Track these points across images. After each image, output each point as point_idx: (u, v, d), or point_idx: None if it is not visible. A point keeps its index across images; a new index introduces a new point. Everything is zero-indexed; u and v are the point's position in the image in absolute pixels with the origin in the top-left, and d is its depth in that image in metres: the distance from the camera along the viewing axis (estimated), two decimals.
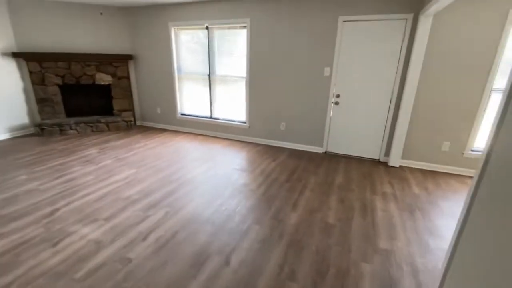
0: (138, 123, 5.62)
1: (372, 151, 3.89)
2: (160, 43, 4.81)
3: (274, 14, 3.87)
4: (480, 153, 3.35)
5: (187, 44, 4.68)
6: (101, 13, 4.71)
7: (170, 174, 3.22)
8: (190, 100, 5.01)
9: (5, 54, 4.25)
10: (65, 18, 4.54)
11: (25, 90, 4.61)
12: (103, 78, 4.98)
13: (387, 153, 3.80)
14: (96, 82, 4.95)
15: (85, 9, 4.62)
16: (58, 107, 4.87)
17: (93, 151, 3.96)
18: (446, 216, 2.49)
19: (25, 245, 1.95)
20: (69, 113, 5.03)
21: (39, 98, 4.69)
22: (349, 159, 3.94)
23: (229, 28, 4.24)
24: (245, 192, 2.82)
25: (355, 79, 3.69)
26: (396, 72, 3.47)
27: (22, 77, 4.54)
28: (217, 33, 4.36)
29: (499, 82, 3.10)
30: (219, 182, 3.03)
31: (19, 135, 4.60)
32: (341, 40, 3.62)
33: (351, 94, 3.78)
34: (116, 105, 5.23)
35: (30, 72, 4.54)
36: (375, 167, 3.65)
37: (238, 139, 4.75)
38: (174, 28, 4.65)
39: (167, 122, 5.34)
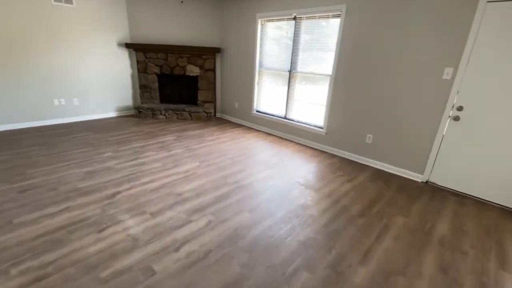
0: (218, 115, 5.75)
1: (505, 194, 2.63)
2: (246, 35, 4.66)
3: (378, 4, 3.04)
4: None
5: (272, 37, 4.36)
6: (182, 1, 4.88)
7: (229, 175, 3.00)
8: (267, 97, 4.71)
9: (121, 44, 4.97)
10: (166, 10, 4.94)
11: (133, 77, 5.33)
12: (193, 70, 5.26)
13: None
14: (187, 73, 5.28)
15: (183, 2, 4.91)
16: (154, 93, 5.45)
17: (171, 137, 4.19)
18: None
19: (79, 224, 2.06)
20: (162, 100, 5.57)
21: (141, 84, 5.35)
22: (462, 198, 2.79)
23: (319, 17, 3.65)
24: (302, 217, 2.29)
25: (493, 86, 2.51)
26: None
27: (131, 65, 5.25)
28: (304, 24, 3.84)
29: None
30: (275, 196, 2.60)
31: (123, 115, 5.40)
32: (479, 29, 2.50)
33: (482, 107, 2.61)
34: (201, 96, 5.47)
35: (137, 61, 5.20)
36: (508, 221, 2.43)
37: (311, 146, 4.16)
38: (261, 20, 4.39)
39: (243, 118, 5.24)
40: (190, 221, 2.16)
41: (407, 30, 2.91)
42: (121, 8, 4.79)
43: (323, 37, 3.69)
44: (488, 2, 2.42)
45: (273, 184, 2.86)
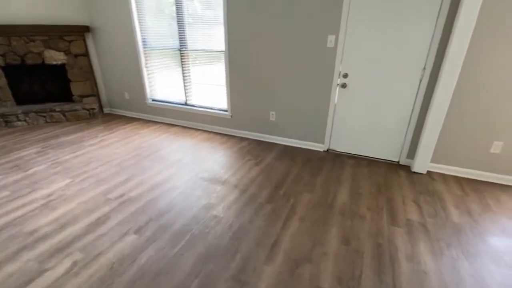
0: (106, 110, 4.73)
1: (390, 151, 2.91)
2: (120, 8, 3.77)
3: None
4: None
5: (152, 8, 3.63)
6: None
7: (113, 188, 2.38)
8: (162, 82, 4.05)
9: None
10: None
11: None
12: (55, 56, 4.04)
13: (411, 154, 2.82)
14: (46, 62, 4.03)
15: None
16: (4, 93, 4.01)
17: (32, 150, 3.14)
18: (507, 266, 1.58)
19: None
20: (20, 101, 4.16)
21: None
22: (358, 160, 2.99)
23: None
24: (204, 222, 1.96)
25: (370, 52, 2.63)
26: (431, 43, 2.39)
27: None
28: None
29: None
30: (173, 203, 2.17)
31: None
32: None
33: (363, 73, 2.73)
34: (76, 89, 4.32)
35: None
36: (394, 174, 2.69)
37: (219, 131, 3.83)
38: None
39: (137, 110, 4.43)
40: (44, 271, 1.54)
41: (291, 3, 2.75)
42: None
43: (209, 7, 3.24)
44: None
45: (171, 186, 2.41)
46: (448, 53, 2.25)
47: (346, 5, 2.54)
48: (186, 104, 3.97)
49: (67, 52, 4.08)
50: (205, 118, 3.85)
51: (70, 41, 4.05)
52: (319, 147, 3.24)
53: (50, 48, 3.98)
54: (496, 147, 2.45)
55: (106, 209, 2.09)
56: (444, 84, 2.34)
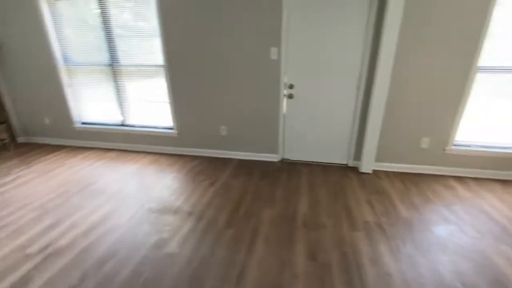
0: (20, 140, 3.92)
1: (339, 155, 3.05)
2: (29, 21, 3.18)
3: None
4: (465, 148, 2.73)
5: (70, 20, 3.16)
6: None
7: (34, 238, 1.90)
8: (93, 102, 3.54)
9: None
10: None
11: None
12: None
13: (358, 156, 2.99)
14: None
15: None
16: None
17: None
18: (450, 252, 1.73)
19: None
20: None
21: None
22: (312, 167, 3.05)
23: None
24: (156, 266, 1.68)
25: (312, 63, 2.73)
26: (363, 52, 2.59)
27: None
28: (113, 3, 2.95)
29: (484, 60, 2.43)
30: (114, 249, 1.83)
31: None
32: (289, 9, 2.58)
33: (307, 83, 2.82)
34: None
35: None
36: (345, 177, 2.81)
37: (166, 152, 3.51)
38: None
39: (63, 136, 3.78)
40: None
41: (230, 9, 2.68)
42: None
43: (142, 18, 2.97)
44: None
45: (112, 226, 2.04)
46: (379, 61, 2.47)
47: (285, 19, 2.59)
48: (123, 124, 3.54)
49: None
50: (148, 139, 3.49)
51: None
52: (274, 158, 3.21)
53: None
54: (424, 142, 2.77)
55: (25, 268, 1.64)
56: (379, 88, 2.55)
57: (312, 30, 2.60)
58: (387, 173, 2.89)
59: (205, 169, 3.03)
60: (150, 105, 3.37)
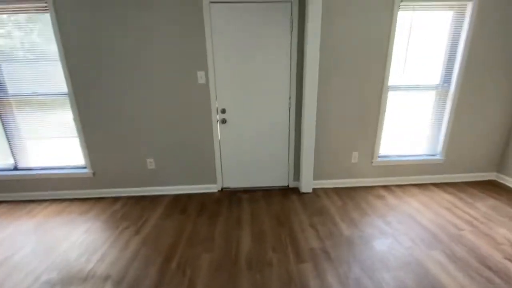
0: None
1: (279, 177, 2.97)
2: None
3: None
4: (388, 159, 2.98)
5: None
6: None
7: None
8: None
9: None
10: None
11: None
12: None
13: (297, 176, 2.97)
14: None
15: None
16: None
17: None
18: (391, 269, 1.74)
19: None
20: None
21: None
22: (253, 193, 2.88)
23: (19, 11, 2.34)
24: None
25: (242, 86, 2.64)
26: (290, 74, 2.64)
27: None
28: None
29: (393, 79, 2.74)
30: None
31: None
32: (212, 31, 2.47)
33: (240, 107, 2.70)
34: None
35: None
36: (287, 200, 2.72)
37: (78, 197, 2.87)
38: None
39: None
40: None
41: (148, 36, 2.42)
42: None
43: (40, 41, 2.44)
44: (210, 3, 2.40)
45: None
46: (305, 82, 2.53)
47: (209, 42, 2.47)
48: (16, 168, 2.79)
49: None
50: (53, 183, 2.81)
51: None
52: (213, 188, 2.94)
53: None
54: (355, 157, 2.92)
55: None
56: (308, 108, 2.60)
57: (239, 53, 2.54)
58: (325, 190, 2.93)
59: (129, 212, 2.55)
60: (52, 141, 2.74)
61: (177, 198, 2.82)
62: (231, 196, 2.82)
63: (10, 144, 2.71)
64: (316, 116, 2.72)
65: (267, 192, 2.90)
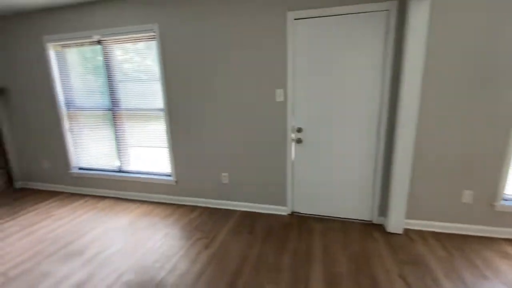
0: (18, 184, 3.77)
1: (359, 210, 2.57)
2: (37, 68, 3.22)
3: (192, 16, 2.56)
4: None
5: (76, 67, 3.16)
6: None
7: None
8: (91, 147, 3.38)
9: None
10: None
11: None
12: None
13: (383, 211, 2.51)
14: None
15: None
16: None
17: None
18: None
19: None
20: None
21: None
22: (327, 223, 2.57)
23: (134, 40, 2.83)
24: None
25: (323, 104, 2.44)
26: (382, 92, 2.28)
27: None
28: (115, 50, 2.92)
29: None
30: None
31: None
32: (295, 48, 2.38)
33: (318, 126, 2.50)
34: None
35: None
36: (369, 238, 2.30)
37: (163, 201, 3.17)
38: (53, 45, 3.11)
39: (59, 182, 3.59)
40: None
41: (229, 53, 2.54)
42: None
43: (145, 63, 2.89)
44: (295, 20, 2.33)
45: None
46: (401, 100, 2.13)
47: (290, 58, 2.39)
48: (120, 170, 3.30)
49: None
50: (145, 186, 3.20)
51: None
52: (282, 211, 2.78)
53: None
54: (467, 196, 2.27)
55: None
56: (403, 132, 2.17)
57: (321, 70, 2.36)
58: (421, 234, 2.36)
59: (203, 222, 2.63)
60: (148, 150, 3.14)
61: (246, 215, 2.78)
62: (301, 223, 2.59)
63: (118, 149, 3.24)
64: (416, 139, 2.24)
65: (344, 225, 2.54)
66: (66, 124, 3.33)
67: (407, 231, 2.40)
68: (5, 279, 1.89)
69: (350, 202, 2.57)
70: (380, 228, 2.46)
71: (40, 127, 3.44)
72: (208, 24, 2.53)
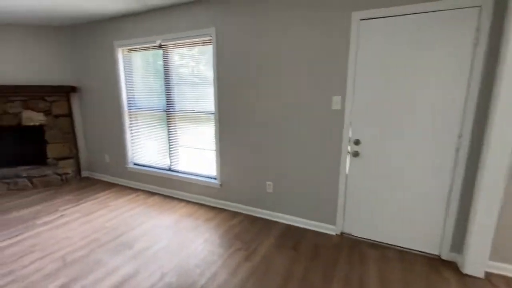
0: (84, 174, 4.20)
1: (425, 240, 2.19)
2: (107, 69, 3.56)
3: (250, 19, 2.52)
4: None
5: (139, 69, 3.40)
6: None
7: None
8: (146, 144, 3.59)
9: None
10: None
11: None
12: (33, 117, 3.70)
13: (456, 246, 2.08)
14: (24, 123, 3.67)
15: (7, 29, 3.50)
16: None
17: None
18: None
19: None
20: None
21: None
22: (383, 251, 2.24)
23: (190, 44, 2.92)
24: None
25: (386, 115, 2.15)
26: (465, 104, 1.91)
27: None
28: (174, 53, 3.05)
29: None
30: None
31: None
32: (358, 51, 2.15)
33: (380, 140, 2.21)
34: (52, 151, 3.87)
35: None
36: (438, 278, 1.92)
37: (206, 203, 3.18)
38: (122, 49, 3.40)
39: (117, 174, 3.89)
40: None
41: (286, 57, 2.42)
42: None
43: (199, 68, 2.95)
44: (361, 20, 2.11)
45: None
46: (493, 111, 1.74)
47: (352, 60, 2.17)
48: (170, 169, 3.43)
49: (47, 113, 3.75)
50: (191, 187, 3.25)
51: (51, 102, 3.76)
52: (330, 230, 2.53)
53: (29, 108, 3.67)
54: None
55: None
56: (493, 154, 1.77)
57: (387, 76, 2.08)
58: (509, 281, 1.89)
59: (244, 231, 2.54)
60: (197, 152, 3.20)
61: (290, 229, 2.60)
62: (352, 247, 2.31)
63: (170, 149, 3.37)
64: (509, 163, 1.81)
65: (403, 255, 2.19)
66: (126, 122, 3.59)
67: (489, 275, 1.95)
68: (63, 263, 2.04)
69: (413, 229, 2.20)
70: (452, 266, 2.05)
71: (105, 123, 3.79)
72: (263, 24, 2.46)
